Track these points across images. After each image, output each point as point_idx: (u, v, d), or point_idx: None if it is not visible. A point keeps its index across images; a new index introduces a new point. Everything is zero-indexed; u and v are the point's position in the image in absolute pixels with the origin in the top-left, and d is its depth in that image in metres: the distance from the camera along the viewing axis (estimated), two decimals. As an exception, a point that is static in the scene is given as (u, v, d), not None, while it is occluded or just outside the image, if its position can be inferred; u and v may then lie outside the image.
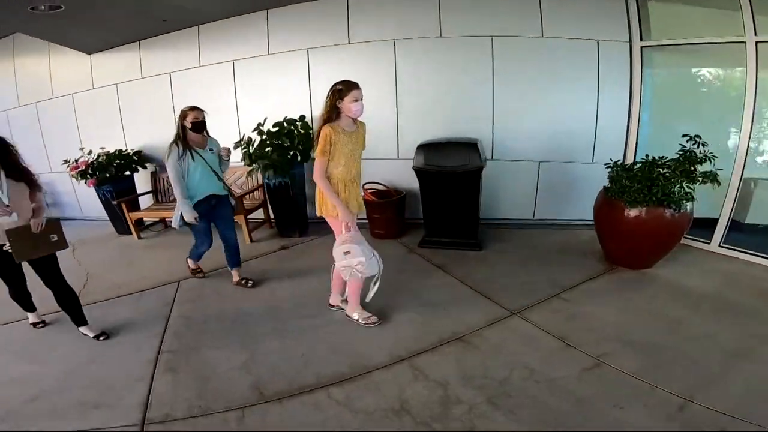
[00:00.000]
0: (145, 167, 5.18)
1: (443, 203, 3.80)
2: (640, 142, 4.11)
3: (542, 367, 2.22)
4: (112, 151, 4.97)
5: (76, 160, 4.81)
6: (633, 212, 3.07)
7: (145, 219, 5.22)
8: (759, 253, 3.37)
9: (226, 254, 3.45)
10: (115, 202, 4.83)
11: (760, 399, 1.91)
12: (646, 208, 3.02)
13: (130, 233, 4.93)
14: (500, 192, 4.49)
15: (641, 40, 3.89)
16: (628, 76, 4.01)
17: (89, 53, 5.08)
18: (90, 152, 4.89)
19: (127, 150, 5.12)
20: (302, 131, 4.31)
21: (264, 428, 1.94)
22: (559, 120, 4.18)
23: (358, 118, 2.55)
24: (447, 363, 2.33)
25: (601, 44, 3.98)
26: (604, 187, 3.39)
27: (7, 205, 2.39)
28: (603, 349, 2.33)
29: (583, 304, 2.84)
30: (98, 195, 4.96)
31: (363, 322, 2.74)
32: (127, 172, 5.06)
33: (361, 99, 2.43)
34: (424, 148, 3.76)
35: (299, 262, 3.95)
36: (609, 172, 3.27)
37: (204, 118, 3.13)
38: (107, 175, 4.81)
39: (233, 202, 3.46)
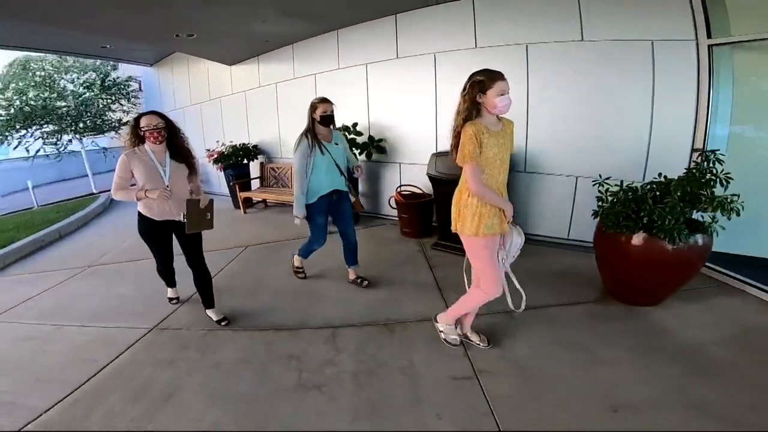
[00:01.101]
0: (257, 158, 6.74)
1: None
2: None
3: (424, 364, 2.40)
4: (237, 144, 6.66)
5: (213, 150, 6.63)
6: (618, 239, 2.74)
7: (253, 198, 6.77)
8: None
9: (344, 251, 3.43)
10: (231, 183, 6.49)
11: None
12: (634, 235, 2.66)
13: (239, 208, 6.54)
14: (533, 206, 4.29)
15: (709, 37, 3.21)
16: (695, 81, 3.35)
17: (230, 65, 6.86)
18: (223, 144, 6.66)
19: (248, 144, 6.76)
20: (349, 136, 5.03)
21: (214, 343, 2.75)
22: (602, 132, 3.77)
23: (505, 116, 2.16)
24: (358, 338, 2.72)
25: (657, 45, 3.42)
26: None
27: (167, 186, 2.56)
28: (490, 367, 2.33)
29: (523, 326, 2.74)
30: (225, 177, 6.73)
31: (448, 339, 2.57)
32: (246, 161, 6.69)
33: (509, 92, 2.03)
34: (437, 156, 3.99)
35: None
36: (599, 191, 2.93)
37: (333, 111, 3.05)
38: (230, 162, 6.50)
39: (353, 198, 3.40)
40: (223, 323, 2.97)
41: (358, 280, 3.48)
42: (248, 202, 6.69)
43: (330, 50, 5.41)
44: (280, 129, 6.45)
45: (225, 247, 4.78)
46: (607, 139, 3.78)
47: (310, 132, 3.03)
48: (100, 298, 3.66)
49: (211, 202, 2.81)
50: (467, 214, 2.13)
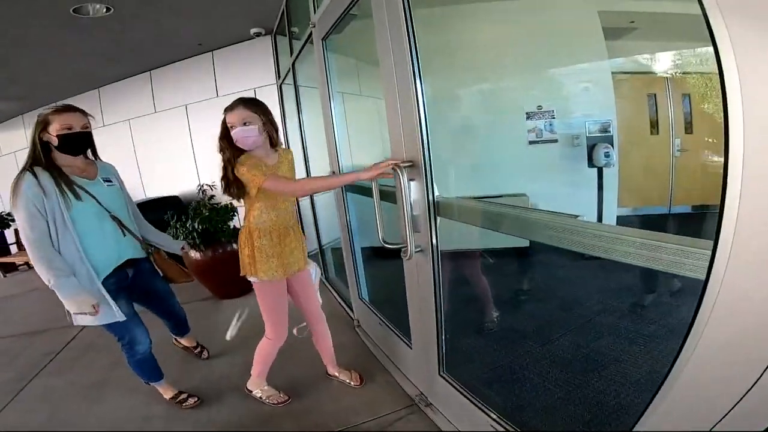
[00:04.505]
0: (10, 225, 6.95)
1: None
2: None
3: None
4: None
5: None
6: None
7: (16, 262, 6.91)
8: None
9: (170, 328, 2.59)
10: (-20, 252, 6.61)
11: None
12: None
13: (-1, 273, 6.68)
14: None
15: (278, 78, 4.64)
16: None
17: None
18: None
19: (2, 212, 6.93)
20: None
21: None
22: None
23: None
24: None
25: (258, 90, 4.79)
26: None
27: None
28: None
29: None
30: (-24, 246, 6.81)
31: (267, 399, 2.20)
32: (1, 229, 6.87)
33: (242, 124, 1.73)
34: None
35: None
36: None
37: (84, 127, 1.80)
38: (-21, 231, 6.62)
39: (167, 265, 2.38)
40: None
41: (197, 349, 2.72)
42: (11, 267, 6.83)
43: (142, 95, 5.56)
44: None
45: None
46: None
47: (43, 165, 1.71)
48: None
49: None
50: (260, 257, 1.85)
